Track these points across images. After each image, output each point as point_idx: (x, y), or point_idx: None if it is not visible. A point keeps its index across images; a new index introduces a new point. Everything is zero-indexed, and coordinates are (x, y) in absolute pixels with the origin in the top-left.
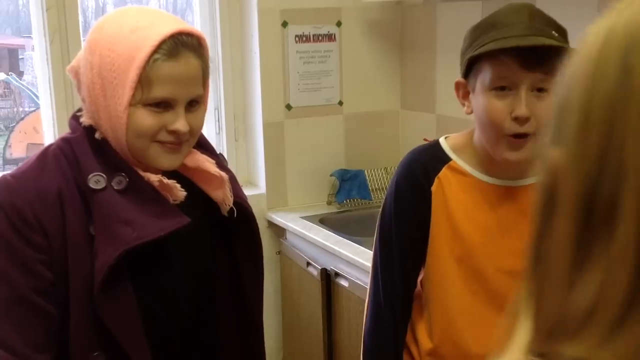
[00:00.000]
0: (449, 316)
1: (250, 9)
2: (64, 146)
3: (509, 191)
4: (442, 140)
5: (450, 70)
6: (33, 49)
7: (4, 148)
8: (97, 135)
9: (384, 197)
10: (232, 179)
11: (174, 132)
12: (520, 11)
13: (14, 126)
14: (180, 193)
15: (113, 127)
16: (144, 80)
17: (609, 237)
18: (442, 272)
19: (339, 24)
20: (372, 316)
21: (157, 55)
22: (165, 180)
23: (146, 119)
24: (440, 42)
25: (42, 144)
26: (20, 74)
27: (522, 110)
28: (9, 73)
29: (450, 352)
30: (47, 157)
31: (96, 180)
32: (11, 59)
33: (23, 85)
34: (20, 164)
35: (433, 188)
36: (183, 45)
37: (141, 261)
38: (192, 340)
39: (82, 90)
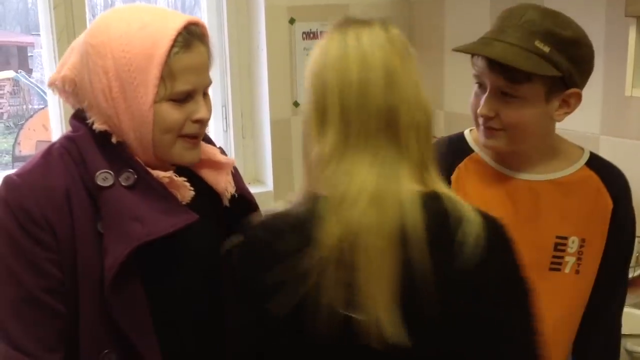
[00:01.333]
0: None
1: (257, 5)
2: (68, 144)
3: (529, 185)
4: (466, 133)
5: (458, 66)
6: (42, 47)
7: (14, 145)
8: (113, 140)
9: None
10: (235, 170)
11: (199, 121)
12: (513, 15)
13: (23, 123)
14: (189, 193)
15: (137, 128)
16: (166, 75)
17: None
18: None
19: None
20: None
21: (175, 49)
22: (176, 178)
23: (172, 113)
24: (449, 39)
25: (51, 142)
26: (29, 72)
27: (481, 109)
28: (19, 70)
29: None
30: (52, 156)
31: (104, 178)
32: (20, 56)
33: (32, 82)
34: (24, 163)
35: (453, 177)
36: (194, 35)
37: (150, 258)
38: (202, 336)
39: (88, 98)
